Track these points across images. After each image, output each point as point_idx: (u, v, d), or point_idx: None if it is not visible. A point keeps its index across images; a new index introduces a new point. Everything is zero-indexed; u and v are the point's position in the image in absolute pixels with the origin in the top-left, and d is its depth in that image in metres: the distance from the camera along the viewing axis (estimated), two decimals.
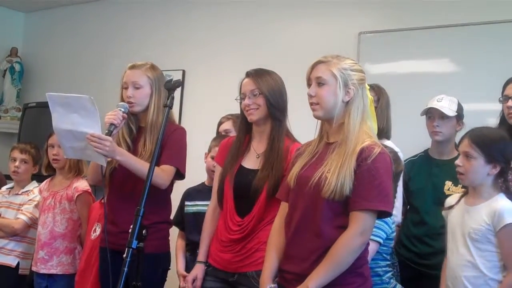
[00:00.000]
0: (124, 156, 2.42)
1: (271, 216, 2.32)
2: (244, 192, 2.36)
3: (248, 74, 2.43)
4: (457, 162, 2.26)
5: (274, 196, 2.29)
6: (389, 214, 1.99)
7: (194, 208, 2.97)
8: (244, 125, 2.48)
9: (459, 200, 2.34)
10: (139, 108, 2.58)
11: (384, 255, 2.53)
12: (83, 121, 2.30)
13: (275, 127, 2.39)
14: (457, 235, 2.25)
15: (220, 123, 3.19)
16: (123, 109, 2.46)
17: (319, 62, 2.03)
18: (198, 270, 2.46)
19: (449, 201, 2.40)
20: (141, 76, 2.57)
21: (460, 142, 2.31)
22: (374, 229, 2.29)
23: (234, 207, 2.39)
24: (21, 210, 3.33)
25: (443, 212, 2.42)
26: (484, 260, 2.16)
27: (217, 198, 2.49)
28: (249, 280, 2.31)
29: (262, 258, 2.28)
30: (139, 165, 2.42)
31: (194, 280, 2.45)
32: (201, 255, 2.49)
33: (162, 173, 2.50)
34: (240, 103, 2.43)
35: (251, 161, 2.43)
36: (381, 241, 2.43)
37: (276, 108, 2.37)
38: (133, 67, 2.61)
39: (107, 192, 2.66)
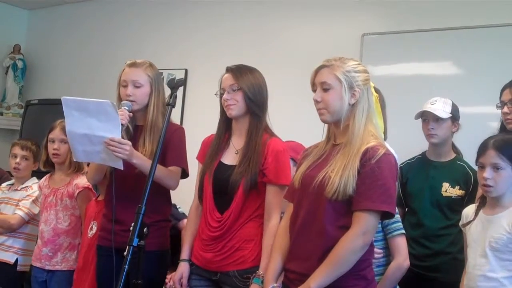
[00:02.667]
0: (140, 159, 2.42)
1: (249, 212, 2.35)
2: (222, 188, 2.36)
3: (228, 70, 2.45)
4: (486, 175, 2.17)
5: (251, 191, 2.31)
6: (391, 215, 1.99)
7: None
8: (224, 122, 2.49)
9: (476, 213, 2.29)
10: (138, 107, 2.57)
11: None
12: (102, 126, 2.29)
13: (253, 123, 2.39)
14: (477, 245, 2.21)
15: None
16: (127, 108, 2.46)
17: (322, 67, 2.02)
18: (183, 268, 2.46)
19: (466, 214, 2.35)
20: (141, 74, 2.56)
21: (482, 154, 2.22)
22: (398, 224, 2.39)
23: (214, 203, 2.40)
24: (19, 206, 3.33)
25: (462, 228, 2.37)
26: (504, 269, 2.12)
27: (198, 196, 2.50)
28: (231, 279, 2.31)
29: (244, 257, 2.32)
30: (157, 169, 2.42)
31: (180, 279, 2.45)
32: (184, 253, 2.49)
33: (173, 175, 2.53)
34: (220, 98, 2.44)
35: (230, 157, 2.43)
36: (405, 232, 2.46)
37: (255, 103, 2.37)
38: (133, 65, 2.60)
39: (107, 191, 2.66)
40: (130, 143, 2.36)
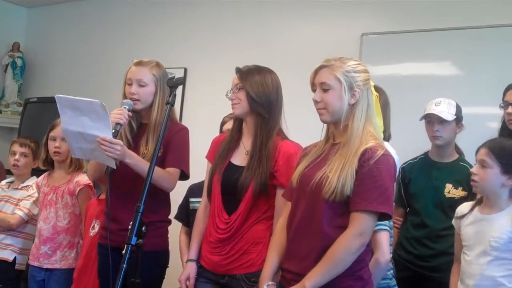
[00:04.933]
0: (133, 159, 2.42)
1: (258, 215, 2.33)
2: (231, 189, 2.35)
3: (236, 70, 2.43)
4: (472, 170, 2.26)
5: (260, 194, 2.30)
6: (389, 217, 1.98)
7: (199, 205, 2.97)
8: (237, 122, 2.48)
9: (472, 209, 2.32)
10: (142, 106, 2.57)
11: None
12: (94, 124, 2.30)
13: (259, 123, 2.37)
14: (474, 244, 2.23)
15: (223, 123, 3.18)
16: (127, 107, 2.46)
17: (322, 67, 2.01)
18: (190, 269, 2.45)
19: (461, 210, 2.38)
20: (146, 73, 2.57)
21: (477, 151, 2.30)
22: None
23: (222, 204, 2.39)
24: (19, 206, 3.33)
25: (454, 221, 2.39)
26: (503, 268, 2.15)
27: (206, 195, 2.50)
28: (239, 282, 2.30)
29: (251, 260, 2.31)
30: (147, 167, 2.42)
31: (186, 280, 2.44)
32: (192, 253, 2.48)
33: (169, 177, 2.53)
34: None
35: (239, 158, 2.42)
36: (388, 228, 2.42)
37: (257, 102, 2.35)
38: (139, 63, 2.60)
39: (107, 189, 2.66)
40: (121, 142, 2.36)
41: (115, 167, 2.39)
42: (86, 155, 2.51)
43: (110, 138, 2.30)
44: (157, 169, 2.41)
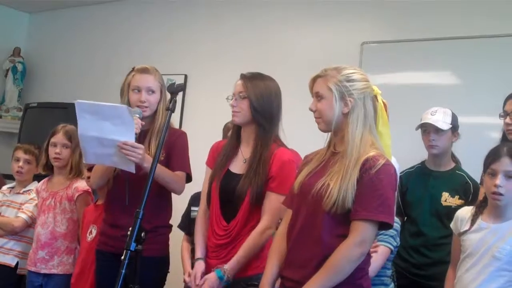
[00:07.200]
0: (151, 164, 2.43)
1: (255, 221, 2.34)
2: (229, 197, 2.37)
3: (241, 76, 2.44)
4: (498, 182, 2.12)
5: (257, 202, 2.31)
6: (389, 226, 1.97)
7: None
8: (236, 129, 2.49)
9: (473, 221, 2.25)
10: (150, 112, 2.59)
11: (389, 263, 2.53)
12: (116, 129, 2.31)
13: (259, 133, 2.39)
14: (475, 253, 2.19)
15: (227, 128, 3.17)
16: (138, 115, 2.47)
17: (318, 76, 2.04)
18: (199, 266, 2.44)
19: (462, 217, 2.31)
20: (154, 81, 2.59)
21: (495, 161, 2.16)
22: (386, 236, 2.36)
23: (220, 212, 2.40)
24: (22, 209, 3.33)
25: (453, 225, 2.35)
26: (500, 279, 2.12)
27: (205, 202, 2.50)
28: (234, 286, 2.31)
29: (247, 264, 2.31)
30: (165, 173, 2.47)
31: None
32: (199, 252, 2.48)
33: (180, 180, 2.58)
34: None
35: (238, 166, 2.44)
36: (392, 248, 2.43)
37: (260, 113, 2.36)
38: (145, 71, 2.60)
39: (108, 195, 2.68)
40: (143, 147, 2.38)
41: (134, 172, 2.40)
42: (101, 160, 2.50)
43: (132, 142, 2.33)
44: (170, 173, 2.50)
